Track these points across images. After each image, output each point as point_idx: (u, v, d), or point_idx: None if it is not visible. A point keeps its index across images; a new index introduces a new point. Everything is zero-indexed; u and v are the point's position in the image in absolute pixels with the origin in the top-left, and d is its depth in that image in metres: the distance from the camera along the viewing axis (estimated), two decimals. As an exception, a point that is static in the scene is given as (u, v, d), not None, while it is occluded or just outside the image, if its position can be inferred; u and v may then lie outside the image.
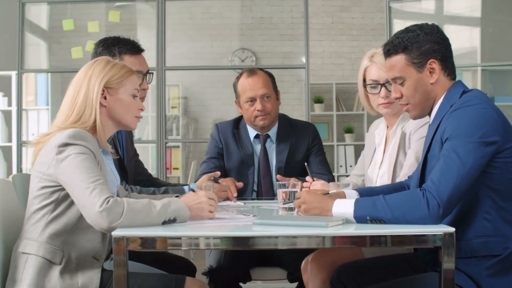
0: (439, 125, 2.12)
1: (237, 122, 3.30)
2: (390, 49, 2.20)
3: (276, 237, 1.85)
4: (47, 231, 2.09)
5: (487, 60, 5.83)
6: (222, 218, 2.20)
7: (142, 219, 1.98)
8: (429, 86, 2.17)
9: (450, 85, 2.18)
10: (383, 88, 2.61)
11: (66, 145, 2.06)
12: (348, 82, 7.86)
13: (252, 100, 3.16)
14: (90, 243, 2.12)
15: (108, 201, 1.96)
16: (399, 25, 5.90)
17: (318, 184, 2.62)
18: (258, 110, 3.15)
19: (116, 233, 1.86)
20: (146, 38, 6.27)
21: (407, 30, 2.19)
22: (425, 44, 2.14)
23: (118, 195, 2.29)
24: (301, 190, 2.38)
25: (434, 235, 1.86)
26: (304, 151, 3.23)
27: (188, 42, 7.81)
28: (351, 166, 7.69)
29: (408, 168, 2.52)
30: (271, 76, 3.24)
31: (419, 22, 2.23)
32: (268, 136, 3.25)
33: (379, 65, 2.58)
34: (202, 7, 7.81)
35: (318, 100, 7.75)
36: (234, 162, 3.21)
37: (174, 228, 1.99)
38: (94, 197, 1.97)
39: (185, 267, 2.80)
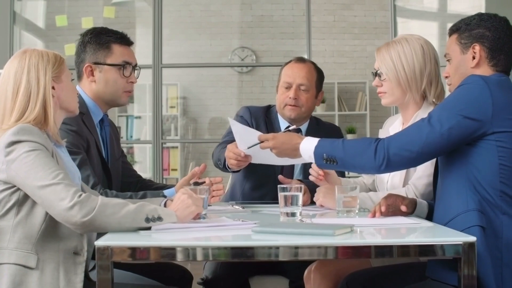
0: None
1: (267, 109, 3.18)
2: (450, 29, 2.27)
3: (277, 247, 1.68)
4: (15, 236, 1.93)
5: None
6: (220, 225, 2.03)
7: (118, 212, 1.83)
8: (469, 70, 2.18)
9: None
10: (376, 77, 2.59)
11: (13, 143, 1.91)
12: (351, 82, 7.76)
13: (288, 86, 3.05)
14: (66, 239, 1.96)
15: (80, 195, 1.83)
16: (402, 24, 5.81)
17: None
18: (290, 98, 3.02)
19: (100, 242, 1.68)
20: (143, 37, 6.16)
21: (471, 16, 2.24)
22: (476, 27, 2.18)
23: (83, 190, 2.13)
24: (304, 193, 2.30)
25: (452, 245, 1.70)
26: None
27: (187, 40, 7.72)
28: (353, 167, 7.56)
29: (422, 170, 2.39)
30: (319, 73, 3.12)
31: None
32: (299, 131, 3.12)
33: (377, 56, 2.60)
34: (201, 4, 7.74)
35: (320, 100, 7.62)
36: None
37: (162, 237, 1.82)
38: (60, 191, 1.83)
39: (181, 276, 2.64)
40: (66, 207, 1.81)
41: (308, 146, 2.20)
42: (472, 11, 5.93)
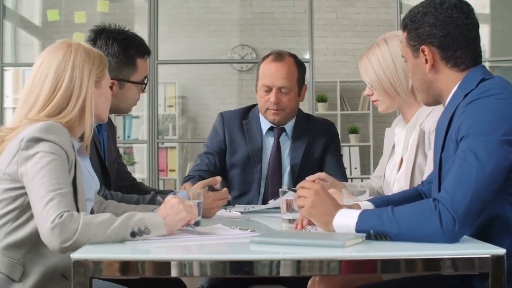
0: (452, 119, 1.81)
1: (246, 111, 2.98)
2: (401, 25, 1.99)
3: (278, 261, 1.48)
4: (5, 241, 1.80)
5: (496, 57, 5.70)
6: (215, 234, 1.84)
7: (102, 233, 1.66)
8: (428, 75, 1.90)
9: (462, 76, 1.87)
10: (367, 87, 2.48)
11: (36, 140, 1.77)
12: (353, 80, 7.63)
13: (268, 89, 2.84)
14: (57, 257, 1.81)
15: (62, 215, 1.65)
16: (405, 21, 5.69)
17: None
18: (271, 102, 2.83)
19: (76, 255, 1.49)
20: (141, 34, 6.02)
21: (417, 5, 1.92)
22: (421, 25, 1.89)
23: (92, 210, 1.99)
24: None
25: (479, 258, 1.51)
26: (321, 148, 2.94)
27: (185, 38, 7.59)
28: (355, 168, 7.47)
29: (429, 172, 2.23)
30: (300, 67, 2.90)
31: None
32: (283, 130, 2.93)
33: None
34: (200, 1, 7.62)
35: (322, 99, 7.51)
36: (239, 158, 2.90)
37: (150, 249, 1.64)
38: (49, 209, 1.67)
39: (173, 286, 2.45)
40: (48, 227, 1.65)
41: (346, 222, 1.76)
42: (477, 9, 5.92)
